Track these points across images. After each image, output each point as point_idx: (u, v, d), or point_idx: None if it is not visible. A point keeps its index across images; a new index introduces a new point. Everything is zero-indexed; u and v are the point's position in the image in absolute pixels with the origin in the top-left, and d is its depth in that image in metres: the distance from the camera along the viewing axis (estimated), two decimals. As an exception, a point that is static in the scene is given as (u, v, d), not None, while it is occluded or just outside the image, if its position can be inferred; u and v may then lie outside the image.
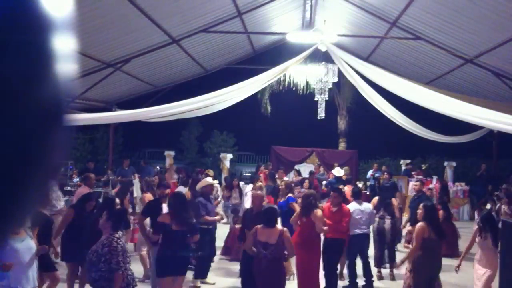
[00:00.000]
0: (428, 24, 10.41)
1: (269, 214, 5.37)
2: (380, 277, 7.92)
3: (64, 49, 0.53)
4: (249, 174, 17.28)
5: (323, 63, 11.89)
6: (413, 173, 15.70)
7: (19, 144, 0.50)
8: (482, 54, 10.47)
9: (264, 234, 5.24)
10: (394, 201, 8.25)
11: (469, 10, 8.90)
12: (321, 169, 15.95)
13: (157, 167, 18.15)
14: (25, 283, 4.62)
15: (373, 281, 7.30)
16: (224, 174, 16.50)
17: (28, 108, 0.50)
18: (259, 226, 5.31)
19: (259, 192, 6.73)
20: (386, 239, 7.94)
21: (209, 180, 7.65)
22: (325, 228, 6.27)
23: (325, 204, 7.05)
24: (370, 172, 16.07)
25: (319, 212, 6.26)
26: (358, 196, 7.67)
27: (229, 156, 18.02)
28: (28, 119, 0.50)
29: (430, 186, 12.95)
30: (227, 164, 17.64)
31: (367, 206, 7.57)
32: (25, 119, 0.50)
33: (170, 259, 5.21)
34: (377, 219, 7.93)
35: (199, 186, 7.45)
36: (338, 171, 12.47)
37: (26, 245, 4.72)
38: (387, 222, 7.91)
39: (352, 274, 7.19)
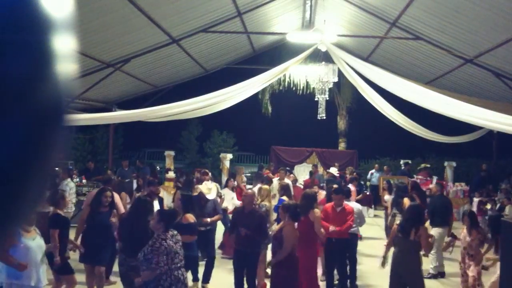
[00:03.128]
0: (428, 24, 10.40)
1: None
2: None
3: (64, 49, 0.53)
4: (249, 175, 17.27)
5: (323, 63, 11.87)
6: (419, 175, 15.21)
7: (19, 144, 0.50)
8: (482, 54, 10.45)
9: None
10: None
11: (469, 10, 8.89)
12: (322, 169, 15.99)
13: (157, 167, 18.16)
14: (36, 281, 4.77)
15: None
16: (224, 175, 16.49)
17: (28, 108, 0.50)
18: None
19: (249, 191, 6.73)
20: None
21: (202, 187, 7.66)
22: (323, 230, 6.24)
23: (327, 204, 7.01)
24: (371, 172, 16.44)
25: (318, 212, 6.26)
26: (348, 195, 7.72)
27: (229, 156, 17.99)
28: (28, 119, 0.50)
29: (430, 186, 12.92)
30: (227, 164, 17.62)
31: (359, 206, 7.75)
32: (26, 119, 0.50)
33: None
34: (390, 217, 8.30)
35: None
36: (333, 171, 12.48)
37: (38, 243, 4.88)
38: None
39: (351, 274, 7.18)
